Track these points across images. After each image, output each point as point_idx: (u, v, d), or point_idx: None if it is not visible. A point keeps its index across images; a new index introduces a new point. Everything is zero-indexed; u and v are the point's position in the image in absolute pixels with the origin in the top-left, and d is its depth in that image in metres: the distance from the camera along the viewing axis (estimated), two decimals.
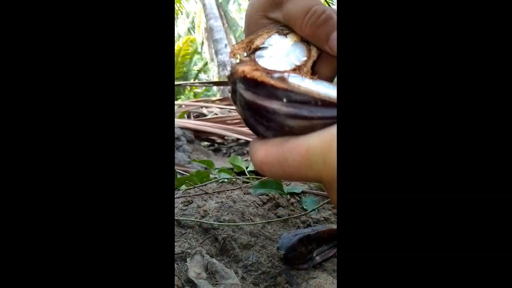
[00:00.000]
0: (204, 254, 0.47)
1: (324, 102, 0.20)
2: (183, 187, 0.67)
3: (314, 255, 0.47)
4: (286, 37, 0.28)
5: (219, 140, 1.93)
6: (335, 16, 0.26)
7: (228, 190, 0.63)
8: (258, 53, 0.26)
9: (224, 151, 1.86)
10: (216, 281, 0.44)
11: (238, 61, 0.25)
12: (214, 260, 0.46)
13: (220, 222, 0.51)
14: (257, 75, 0.22)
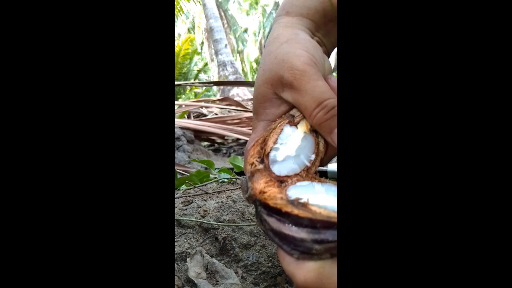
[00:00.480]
0: (204, 254, 0.47)
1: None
2: (183, 187, 0.67)
3: None
4: (297, 127, 0.30)
5: (219, 140, 1.93)
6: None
7: (228, 190, 0.63)
8: (271, 157, 0.28)
9: (224, 151, 1.86)
10: (216, 281, 0.44)
11: (250, 171, 0.27)
12: (214, 260, 0.46)
13: (220, 222, 0.51)
14: (280, 203, 0.24)
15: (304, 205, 0.23)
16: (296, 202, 0.24)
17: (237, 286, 0.43)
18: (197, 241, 0.49)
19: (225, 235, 0.49)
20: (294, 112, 0.29)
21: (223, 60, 5.03)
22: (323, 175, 0.30)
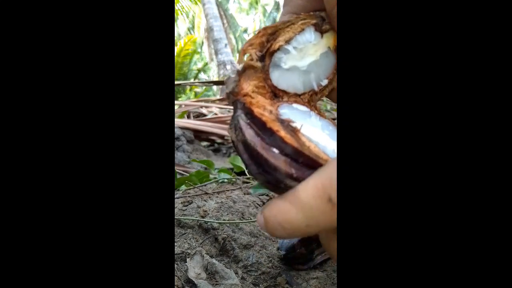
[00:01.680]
0: (204, 254, 0.46)
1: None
2: (183, 187, 0.67)
3: (314, 255, 0.47)
4: (322, 37, 0.23)
5: (219, 140, 1.92)
6: None
7: (228, 190, 0.63)
8: (276, 58, 0.22)
9: (224, 151, 1.86)
10: (216, 282, 0.44)
11: (243, 65, 0.21)
12: (214, 261, 0.46)
13: (220, 222, 0.51)
14: (266, 116, 0.19)
15: (294, 131, 0.19)
16: (286, 123, 0.19)
17: (237, 286, 0.43)
18: (196, 241, 0.49)
19: (225, 235, 0.49)
20: (326, 14, 0.23)
21: (223, 59, 5.04)
22: None
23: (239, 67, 0.21)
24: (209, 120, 2.00)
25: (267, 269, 0.46)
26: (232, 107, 0.22)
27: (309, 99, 0.23)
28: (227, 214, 0.53)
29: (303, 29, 0.22)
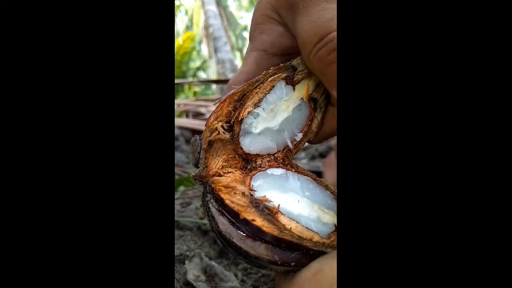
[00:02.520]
0: (203, 257, 0.46)
1: (308, 250, 0.17)
2: (182, 188, 0.66)
3: None
4: (294, 89, 0.21)
5: None
6: None
7: None
8: (245, 125, 0.20)
9: None
10: (216, 284, 0.43)
11: (208, 140, 0.19)
12: (213, 263, 0.45)
13: None
14: (238, 205, 0.18)
15: (272, 213, 0.18)
16: (261, 205, 0.18)
17: None
18: (195, 243, 0.48)
19: None
20: (297, 62, 0.21)
21: (222, 58, 5.02)
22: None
23: (204, 144, 0.19)
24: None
25: (267, 272, 0.45)
26: None
27: (284, 157, 0.22)
28: None
29: (273, 86, 0.21)
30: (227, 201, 0.18)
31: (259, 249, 0.18)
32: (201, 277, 0.44)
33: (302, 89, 0.22)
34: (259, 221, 0.18)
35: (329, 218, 0.18)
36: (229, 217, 0.18)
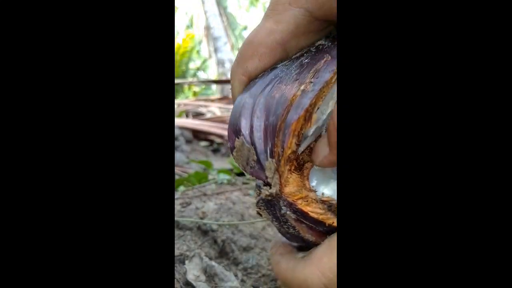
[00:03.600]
0: (203, 257, 0.46)
1: None
2: (182, 188, 0.66)
3: None
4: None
5: (218, 140, 1.92)
6: None
7: (227, 191, 0.62)
8: (305, 132, 0.19)
9: (223, 152, 1.86)
10: (216, 284, 0.43)
11: (283, 160, 0.19)
12: (213, 263, 0.45)
13: (219, 223, 0.51)
14: (321, 214, 0.19)
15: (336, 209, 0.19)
16: (333, 208, 0.19)
17: None
18: (195, 243, 0.48)
19: (224, 237, 0.49)
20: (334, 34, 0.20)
21: (222, 58, 5.03)
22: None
23: (281, 165, 0.19)
24: (208, 119, 1.99)
25: (267, 272, 0.45)
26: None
27: (315, 144, 0.21)
28: (227, 216, 0.53)
29: (330, 88, 0.20)
30: (310, 213, 0.19)
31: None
32: (201, 277, 0.44)
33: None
34: (335, 222, 0.19)
35: None
36: (310, 223, 0.20)
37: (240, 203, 0.57)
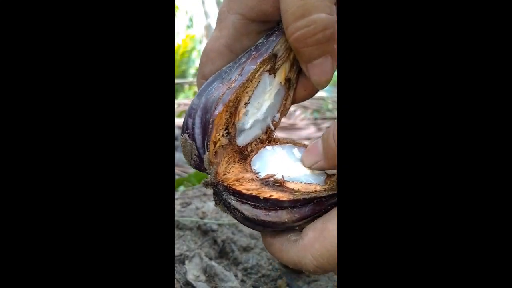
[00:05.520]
0: (203, 257, 0.46)
1: (319, 198, 0.21)
2: (181, 188, 0.66)
3: None
4: (275, 76, 0.23)
5: None
6: (334, 34, 0.19)
7: None
8: (239, 125, 0.23)
9: None
10: (216, 284, 0.43)
11: (213, 152, 0.21)
12: (213, 263, 0.45)
13: (219, 223, 0.51)
14: (254, 190, 0.21)
15: (281, 184, 0.21)
16: (271, 182, 0.21)
17: None
18: (195, 243, 0.48)
19: (224, 237, 0.49)
20: (278, 49, 0.22)
21: None
22: None
23: (211, 158, 0.22)
24: None
25: (267, 272, 0.45)
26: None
27: (267, 136, 0.25)
28: (227, 216, 0.53)
29: (259, 81, 0.23)
30: (245, 191, 0.21)
31: (283, 216, 0.21)
32: (201, 277, 0.44)
33: (281, 74, 0.24)
34: (275, 194, 0.21)
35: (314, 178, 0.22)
36: (250, 202, 0.22)
37: None
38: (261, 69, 0.23)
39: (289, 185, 0.22)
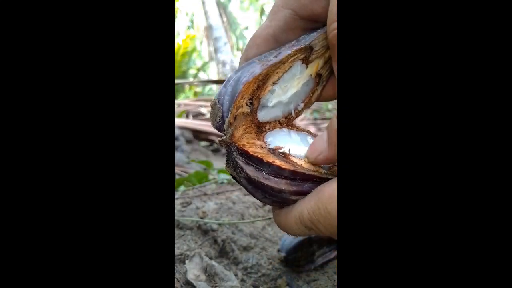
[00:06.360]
0: (203, 256, 0.46)
1: (317, 178, 0.22)
2: (182, 188, 0.66)
3: (315, 257, 0.47)
4: (307, 67, 0.25)
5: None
6: None
7: (227, 191, 0.62)
8: (263, 100, 0.25)
9: (224, 152, 1.85)
10: (216, 284, 0.43)
11: (234, 115, 0.23)
12: (213, 262, 0.45)
13: (219, 222, 0.51)
14: (261, 153, 0.23)
15: (285, 156, 0.23)
16: (277, 152, 0.23)
17: None
18: (196, 243, 0.48)
19: (225, 237, 0.49)
20: (315, 42, 0.24)
21: (223, 58, 5.02)
22: None
23: (231, 119, 0.23)
24: (209, 119, 1.99)
25: (267, 271, 0.45)
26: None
27: (287, 121, 0.27)
28: (227, 215, 0.53)
29: (291, 66, 0.25)
30: (252, 152, 0.23)
31: (281, 184, 0.22)
32: (201, 277, 0.44)
33: (313, 66, 0.26)
34: (277, 162, 0.22)
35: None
36: (255, 164, 0.23)
37: (240, 203, 0.57)
38: (296, 56, 0.24)
39: (294, 159, 0.23)
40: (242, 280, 0.44)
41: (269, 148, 0.23)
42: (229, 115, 0.23)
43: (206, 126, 1.83)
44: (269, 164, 0.22)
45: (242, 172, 0.23)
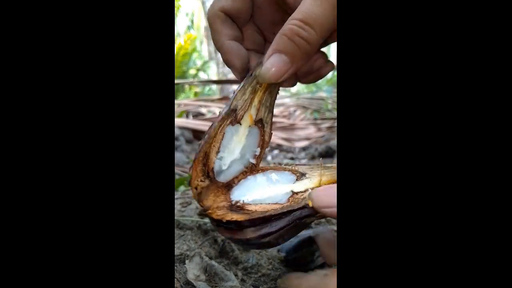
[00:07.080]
0: (203, 256, 0.46)
1: (275, 216, 0.24)
2: (182, 188, 0.66)
3: (315, 257, 0.47)
4: (241, 124, 0.28)
5: None
6: (313, 50, 0.22)
7: None
8: (216, 168, 0.27)
9: None
10: (216, 284, 0.43)
11: (197, 192, 0.26)
12: (213, 262, 0.45)
13: None
14: (221, 214, 0.25)
15: (241, 207, 0.25)
16: (234, 207, 0.25)
17: None
18: (196, 243, 0.48)
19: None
20: (236, 104, 0.27)
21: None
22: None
23: (194, 197, 0.27)
24: (209, 119, 1.99)
25: (267, 271, 0.45)
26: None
27: (250, 168, 0.29)
28: None
29: (223, 134, 0.27)
30: (215, 216, 0.25)
31: (247, 234, 0.24)
32: (201, 277, 0.44)
33: (247, 120, 0.28)
34: (235, 216, 0.24)
35: (285, 188, 0.25)
36: (224, 225, 0.25)
37: None
38: (222, 125, 0.27)
39: (250, 207, 0.25)
40: (242, 280, 0.44)
41: (229, 205, 0.26)
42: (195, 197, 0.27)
43: (206, 126, 1.83)
44: (229, 222, 0.24)
45: (221, 234, 0.26)
